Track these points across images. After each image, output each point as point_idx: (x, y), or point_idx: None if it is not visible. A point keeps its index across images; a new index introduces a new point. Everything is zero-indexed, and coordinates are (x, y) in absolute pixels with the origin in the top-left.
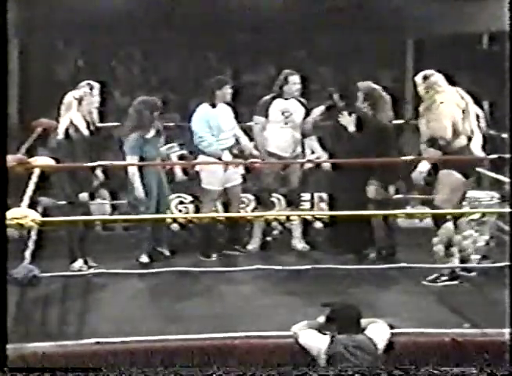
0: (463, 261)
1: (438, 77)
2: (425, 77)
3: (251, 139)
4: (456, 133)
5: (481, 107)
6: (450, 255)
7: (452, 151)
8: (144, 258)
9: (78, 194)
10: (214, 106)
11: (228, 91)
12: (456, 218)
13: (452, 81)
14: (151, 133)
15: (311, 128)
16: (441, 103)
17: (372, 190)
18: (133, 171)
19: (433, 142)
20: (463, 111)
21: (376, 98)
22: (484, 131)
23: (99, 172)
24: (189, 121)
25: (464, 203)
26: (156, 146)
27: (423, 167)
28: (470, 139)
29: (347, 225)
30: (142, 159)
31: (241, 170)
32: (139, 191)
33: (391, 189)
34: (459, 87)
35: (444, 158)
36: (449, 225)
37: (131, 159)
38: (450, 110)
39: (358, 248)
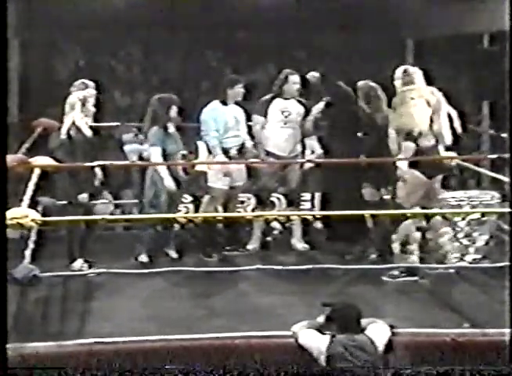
0: (441, 259)
1: (417, 75)
2: (405, 72)
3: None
4: (423, 133)
5: (454, 107)
6: (408, 253)
7: (419, 151)
8: (143, 258)
9: (78, 195)
10: (225, 103)
11: (240, 90)
12: (428, 217)
13: (428, 80)
14: (171, 128)
15: (311, 127)
16: (412, 98)
17: (367, 193)
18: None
19: (408, 135)
20: (433, 111)
21: (372, 97)
22: (460, 131)
23: (98, 171)
24: (193, 121)
25: (464, 203)
26: (177, 141)
27: (403, 164)
28: (437, 140)
29: (346, 225)
30: (164, 152)
31: (244, 171)
32: (168, 181)
33: (384, 191)
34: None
35: (439, 158)
36: (408, 223)
37: (154, 150)
38: (420, 106)
39: (357, 248)
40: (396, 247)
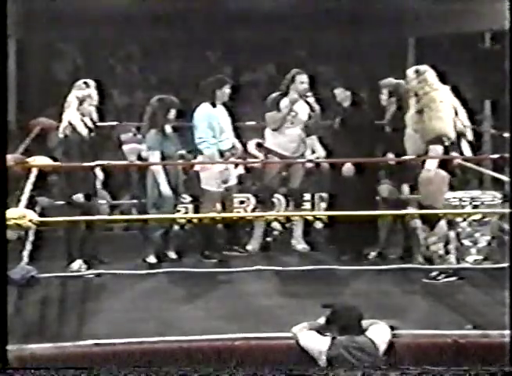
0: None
1: (431, 74)
2: (417, 72)
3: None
4: (451, 138)
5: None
6: (448, 252)
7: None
8: (152, 259)
9: (73, 195)
10: (214, 105)
11: (227, 91)
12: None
13: (443, 80)
14: (168, 130)
15: (314, 126)
16: (441, 101)
17: (385, 190)
18: (157, 169)
19: (438, 140)
20: (455, 110)
21: (403, 93)
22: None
23: (98, 172)
24: (191, 121)
25: (466, 203)
26: (174, 142)
27: (431, 165)
28: (459, 137)
29: (348, 226)
30: (162, 155)
31: (238, 171)
32: (165, 187)
33: (405, 188)
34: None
35: (442, 158)
36: (443, 223)
37: (152, 155)
38: (449, 108)
39: (359, 248)
40: (440, 248)
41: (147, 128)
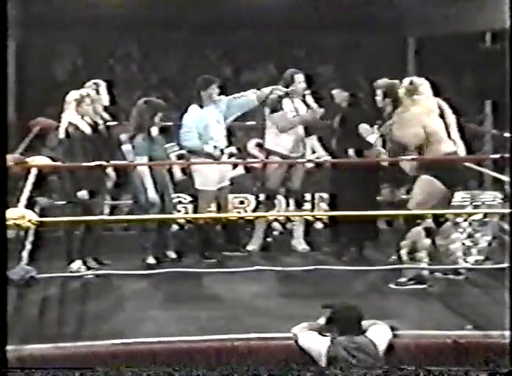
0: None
1: (424, 87)
2: (411, 83)
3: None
4: (438, 140)
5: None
6: (416, 260)
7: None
8: (150, 260)
9: (77, 192)
10: (201, 107)
11: (215, 90)
12: (439, 222)
13: (436, 92)
14: (154, 132)
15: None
16: (412, 110)
17: (386, 193)
18: (144, 173)
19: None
20: (448, 123)
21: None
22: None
23: (111, 172)
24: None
25: (466, 203)
26: (161, 145)
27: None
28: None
29: (348, 226)
30: (150, 159)
31: (237, 171)
32: (152, 192)
33: (402, 190)
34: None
35: (445, 158)
36: (419, 229)
37: (141, 160)
38: (422, 118)
39: (359, 248)
40: (403, 254)
41: (134, 131)
